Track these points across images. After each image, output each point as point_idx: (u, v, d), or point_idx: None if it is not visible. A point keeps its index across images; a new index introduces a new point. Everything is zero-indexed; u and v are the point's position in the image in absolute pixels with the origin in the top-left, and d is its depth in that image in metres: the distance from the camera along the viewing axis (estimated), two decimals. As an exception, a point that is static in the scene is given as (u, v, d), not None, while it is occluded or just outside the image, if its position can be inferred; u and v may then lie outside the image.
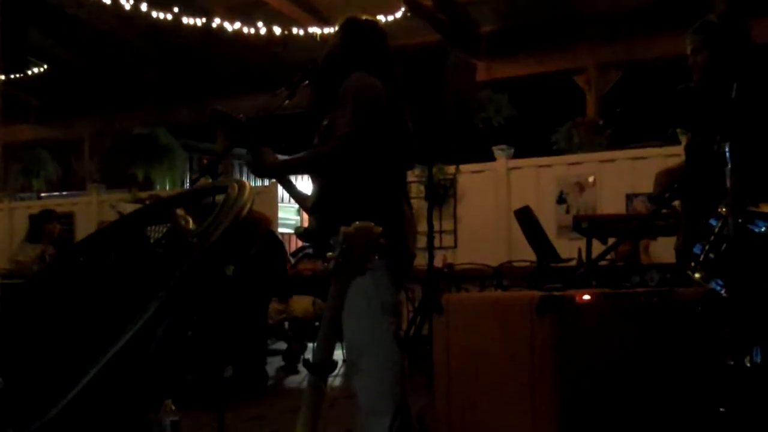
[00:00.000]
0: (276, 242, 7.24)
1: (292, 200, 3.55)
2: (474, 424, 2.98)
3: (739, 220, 3.06)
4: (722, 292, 3.18)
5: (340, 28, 3.42)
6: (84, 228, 10.96)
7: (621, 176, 8.61)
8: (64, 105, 13.08)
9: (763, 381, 3.10)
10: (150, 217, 1.97)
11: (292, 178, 3.41)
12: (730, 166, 2.99)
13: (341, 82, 3.18)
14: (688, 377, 3.13)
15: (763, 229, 3.16)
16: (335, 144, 3.09)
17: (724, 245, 3.20)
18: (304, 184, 3.51)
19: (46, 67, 11.93)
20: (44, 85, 12.47)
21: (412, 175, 9.10)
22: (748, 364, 3.08)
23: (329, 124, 3.24)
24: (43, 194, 13.26)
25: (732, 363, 3.04)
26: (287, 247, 9.26)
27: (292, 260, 8.67)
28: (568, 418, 2.71)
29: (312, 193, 3.33)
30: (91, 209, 11.81)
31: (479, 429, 2.97)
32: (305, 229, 3.32)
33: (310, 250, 8.14)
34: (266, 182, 10.66)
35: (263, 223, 6.69)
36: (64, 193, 13.52)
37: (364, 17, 3.44)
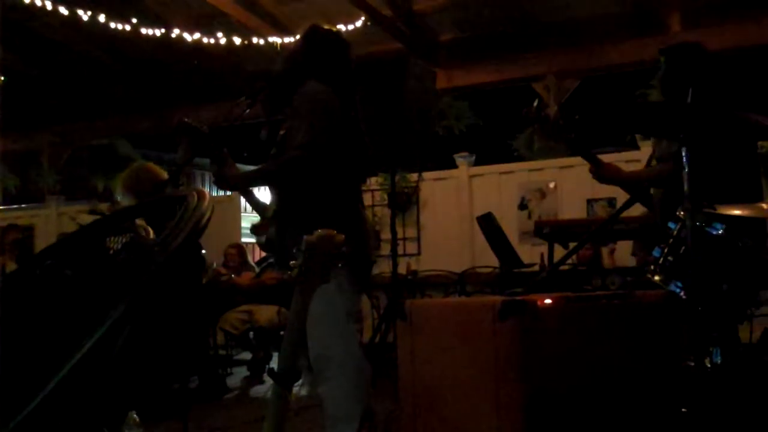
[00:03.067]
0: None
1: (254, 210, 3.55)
2: (440, 428, 2.99)
3: (697, 223, 3.11)
4: (681, 294, 3.23)
5: (303, 35, 3.43)
6: (44, 240, 10.82)
7: (581, 182, 8.68)
8: (21, 116, 12.92)
9: (723, 381, 3.15)
10: (110, 228, 1.96)
11: (253, 189, 3.41)
12: (687, 170, 3.04)
13: (296, 89, 3.18)
14: (649, 378, 3.16)
15: (720, 232, 3.21)
16: (292, 155, 3.09)
17: (683, 248, 3.26)
18: (265, 194, 3.51)
19: (2, 78, 11.77)
20: (1, 96, 12.31)
21: (374, 183, 9.12)
22: (708, 365, 3.13)
23: (286, 133, 3.24)
24: (1, 207, 13.08)
25: (692, 364, 3.09)
26: (251, 257, 9.21)
27: (257, 269, 8.63)
28: (532, 421, 2.73)
29: (271, 203, 3.33)
30: (51, 221, 11.68)
31: (444, 434, 2.98)
32: (266, 238, 3.32)
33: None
34: (229, 192, 10.61)
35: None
36: (23, 205, 13.34)
37: (326, 27, 3.45)
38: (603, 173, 4.05)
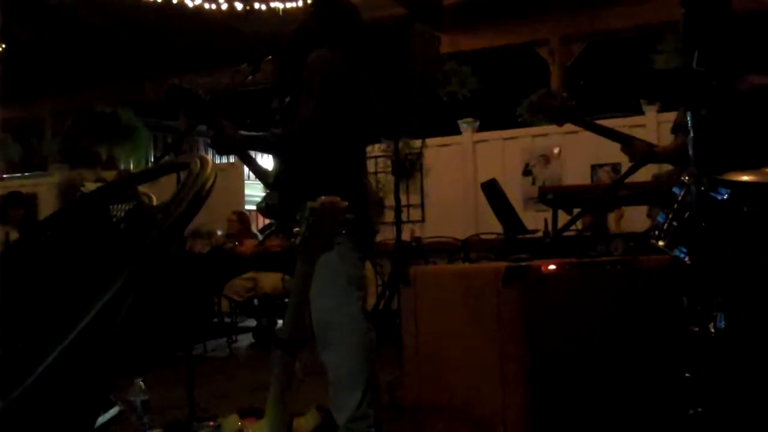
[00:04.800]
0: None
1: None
2: (444, 394, 3.00)
3: (702, 188, 3.09)
4: (686, 259, 3.21)
5: (313, 2, 3.40)
6: (47, 209, 10.83)
7: (585, 147, 8.66)
8: (23, 85, 12.88)
9: (727, 347, 3.15)
10: (113, 195, 1.95)
11: (254, 154, 3.40)
12: (692, 134, 3.01)
13: (306, 57, 3.16)
14: (653, 343, 3.17)
15: (725, 197, 3.19)
16: (297, 130, 3.08)
17: (687, 213, 3.24)
18: (266, 160, 3.50)
19: (3, 46, 11.71)
20: (2, 64, 12.25)
21: (378, 150, 9.10)
22: (712, 331, 3.12)
23: (292, 101, 3.22)
24: (5, 175, 13.08)
25: (696, 329, 3.08)
26: (254, 225, 9.23)
27: (260, 236, 8.65)
28: (536, 385, 2.74)
29: (273, 169, 3.32)
30: (54, 189, 11.68)
31: (449, 399, 2.99)
32: (267, 204, 3.30)
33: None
34: (232, 159, 10.59)
35: None
36: (27, 174, 13.34)
37: None
38: (635, 153, 3.79)
